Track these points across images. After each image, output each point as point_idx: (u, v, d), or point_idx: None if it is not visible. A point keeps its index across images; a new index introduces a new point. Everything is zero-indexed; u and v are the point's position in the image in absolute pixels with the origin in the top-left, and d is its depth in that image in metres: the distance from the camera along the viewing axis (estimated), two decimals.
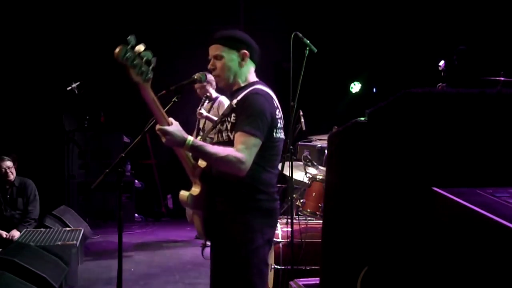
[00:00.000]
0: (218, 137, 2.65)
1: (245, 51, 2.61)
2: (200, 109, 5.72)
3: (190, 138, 2.40)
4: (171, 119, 2.41)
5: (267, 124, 2.52)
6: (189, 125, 6.31)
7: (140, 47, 2.19)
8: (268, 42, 8.35)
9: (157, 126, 2.39)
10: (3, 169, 5.78)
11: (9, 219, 5.81)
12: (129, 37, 2.14)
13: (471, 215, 1.51)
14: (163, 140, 2.39)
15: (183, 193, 2.60)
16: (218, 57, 2.63)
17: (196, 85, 5.98)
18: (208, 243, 2.77)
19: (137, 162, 8.72)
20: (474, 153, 2.09)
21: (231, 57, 2.61)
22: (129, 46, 2.15)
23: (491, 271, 1.50)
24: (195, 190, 2.59)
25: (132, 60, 2.17)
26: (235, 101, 2.58)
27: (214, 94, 6.06)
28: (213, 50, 2.64)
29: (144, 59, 2.20)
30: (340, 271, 2.73)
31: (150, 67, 2.22)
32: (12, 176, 5.84)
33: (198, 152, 2.46)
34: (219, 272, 2.69)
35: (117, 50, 2.13)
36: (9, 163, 5.82)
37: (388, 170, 2.28)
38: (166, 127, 2.36)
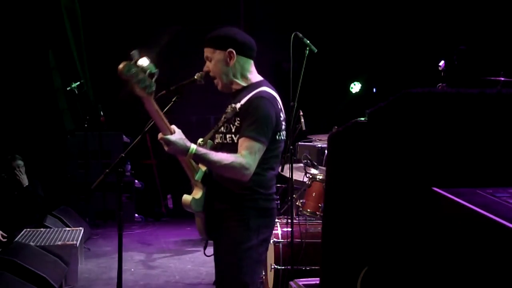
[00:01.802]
0: (221, 139, 2.64)
1: (231, 49, 2.58)
2: None
3: (193, 147, 2.41)
4: (173, 127, 2.41)
5: (272, 129, 2.52)
6: (189, 126, 6.33)
7: (144, 61, 2.20)
8: (268, 42, 8.36)
9: (160, 135, 2.39)
10: (15, 168, 5.89)
11: (15, 217, 5.87)
12: (132, 52, 2.15)
13: (471, 215, 1.51)
14: (166, 149, 2.39)
15: (186, 197, 2.61)
16: (208, 59, 2.63)
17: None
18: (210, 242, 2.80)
19: (137, 162, 8.71)
20: (474, 153, 2.09)
21: (218, 57, 2.59)
22: (132, 62, 2.15)
23: (491, 271, 1.50)
24: (197, 193, 2.60)
25: (136, 76, 2.18)
26: (238, 105, 2.55)
27: None
28: (205, 52, 2.64)
29: (147, 72, 2.20)
30: (340, 271, 2.73)
31: (153, 79, 2.23)
32: (22, 175, 5.97)
33: (202, 160, 2.48)
34: (220, 271, 2.71)
35: (121, 66, 2.14)
36: (20, 162, 5.95)
37: (388, 170, 2.28)
38: (169, 137, 2.36)
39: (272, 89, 2.61)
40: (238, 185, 2.52)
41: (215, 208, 2.61)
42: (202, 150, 2.45)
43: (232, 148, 2.53)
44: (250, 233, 2.55)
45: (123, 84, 2.19)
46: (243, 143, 2.48)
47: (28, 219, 5.89)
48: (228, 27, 2.69)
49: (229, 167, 2.43)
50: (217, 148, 2.63)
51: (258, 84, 2.61)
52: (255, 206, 2.57)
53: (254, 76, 2.66)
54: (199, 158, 2.46)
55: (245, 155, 2.44)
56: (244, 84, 2.63)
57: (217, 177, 2.59)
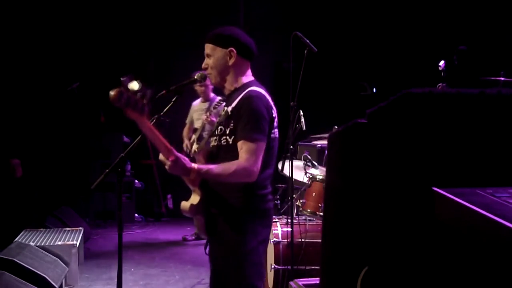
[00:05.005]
0: (216, 141, 2.64)
1: (232, 48, 2.59)
2: (207, 112, 5.65)
3: (195, 169, 2.42)
4: (173, 152, 2.39)
5: (267, 124, 2.53)
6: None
7: (134, 86, 2.20)
8: (268, 42, 8.36)
9: (160, 157, 2.41)
10: (12, 166, 5.92)
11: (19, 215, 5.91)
12: (122, 79, 2.15)
13: (471, 215, 1.51)
14: (167, 167, 2.42)
15: (185, 204, 2.63)
16: (208, 56, 2.64)
17: (197, 86, 5.98)
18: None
19: (137, 162, 8.72)
20: (474, 153, 2.09)
21: (218, 54, 2.61)
22: (123, 88, 2.16)
23: (491, 272, 1.50)
24: (195, 199, 2.61)
25: (128, 101, 2.18)
26: (230, 108, 2.56)
27: (211, 94, 6.09)
28: (205, 48, 2.65)
29: (139, 94, 2.21)
30: (340, 271, 2.73)
31: (145, 100, 2.23)
32: (20, 173, 5.99)
33: (206, 177, 2.51)
34: (218, 273, 2.70)
35: (112, 94, 2.14)
36: (17, 161, 5.98)
37: (388, 170, 2.28)
38: (170, 164, 2.38)
39: (261, 88, 2.62)
40: (233, 188, 2.53)
41: (212, 212, 2.62)
42: (203, 168, 2.46)
43: (227, 150, 2.54)
44: (247, 236, 2.55)
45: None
46: (242, 146, 2.48)
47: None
48: (231, 27, 2.70)
49: (233, 175, 2.46)
50: (212, 151, 2.64)
51: (247, 85, 2.63)
52: (250, 209, 2.57)
53: (246, 78, 2.68)
54: (202, 176, 2.49)
55: (246, 158, 2.45)
56: (236, 85, 2.65)
57: (212, 182, 2.59)
